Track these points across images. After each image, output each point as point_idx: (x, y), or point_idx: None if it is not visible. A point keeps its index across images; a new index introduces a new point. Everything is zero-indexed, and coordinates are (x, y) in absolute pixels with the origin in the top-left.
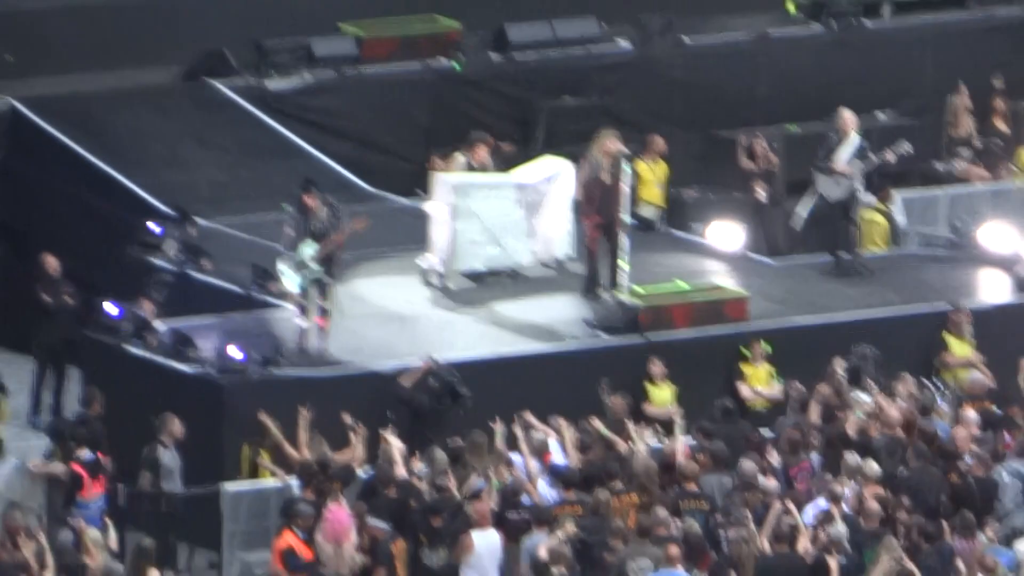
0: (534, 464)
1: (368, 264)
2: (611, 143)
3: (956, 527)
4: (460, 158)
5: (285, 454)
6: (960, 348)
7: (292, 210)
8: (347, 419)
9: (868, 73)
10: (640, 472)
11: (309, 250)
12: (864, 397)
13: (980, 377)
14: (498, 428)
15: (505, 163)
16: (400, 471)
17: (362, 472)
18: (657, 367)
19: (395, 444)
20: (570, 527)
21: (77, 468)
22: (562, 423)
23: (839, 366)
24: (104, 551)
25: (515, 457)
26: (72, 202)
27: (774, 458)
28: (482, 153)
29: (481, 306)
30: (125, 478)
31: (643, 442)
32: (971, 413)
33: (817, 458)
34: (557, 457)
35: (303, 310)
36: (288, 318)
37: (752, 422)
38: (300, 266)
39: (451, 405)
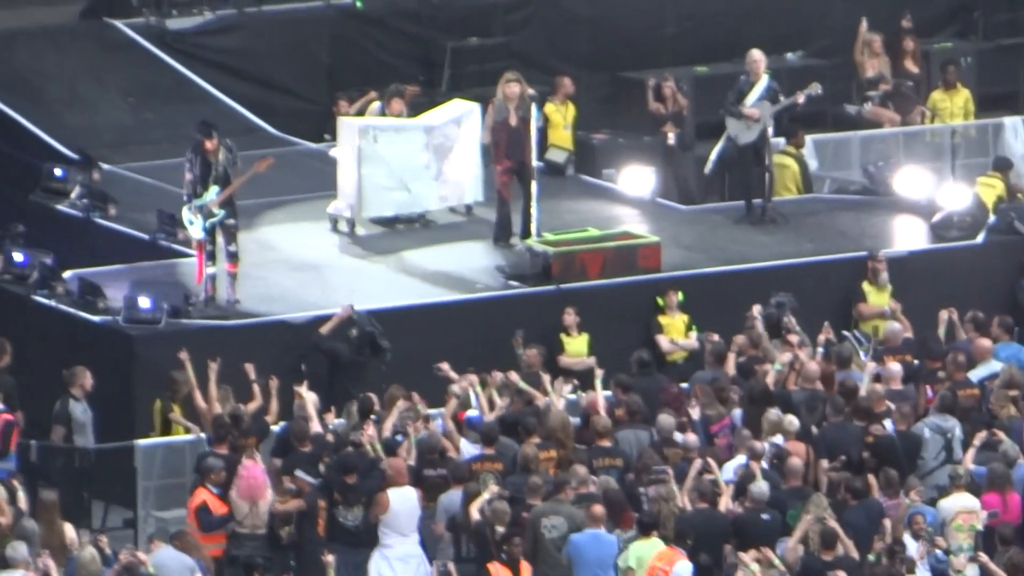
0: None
1: (276, 211)
2: (512, 86)
3: (880, 485)
4: (375, 105)
5: (197, 408)
6: (877, 297)
7: (190, 154)
8: (250, 372)
9: (776, 12)
10: (555, 426)
11: (211, 194)
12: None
13: (897, 327)
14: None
15: (411, 106)
16: (315, 426)
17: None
18: (571, 317)
19: (309, 398)
20: (494, 486)
21: (9, 417)
22: (474, 379)
23: (757, 315)
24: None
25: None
26: None
27: (695, 412)
28: (398, 106)
29: (392, 254)
30: (37, 433)
31: (559, 396)
32: (894, 366)
33: (738, 413)
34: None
35: (211, 256)
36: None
37: (670, 374)
38: (203, 211)
39: (371, 357)
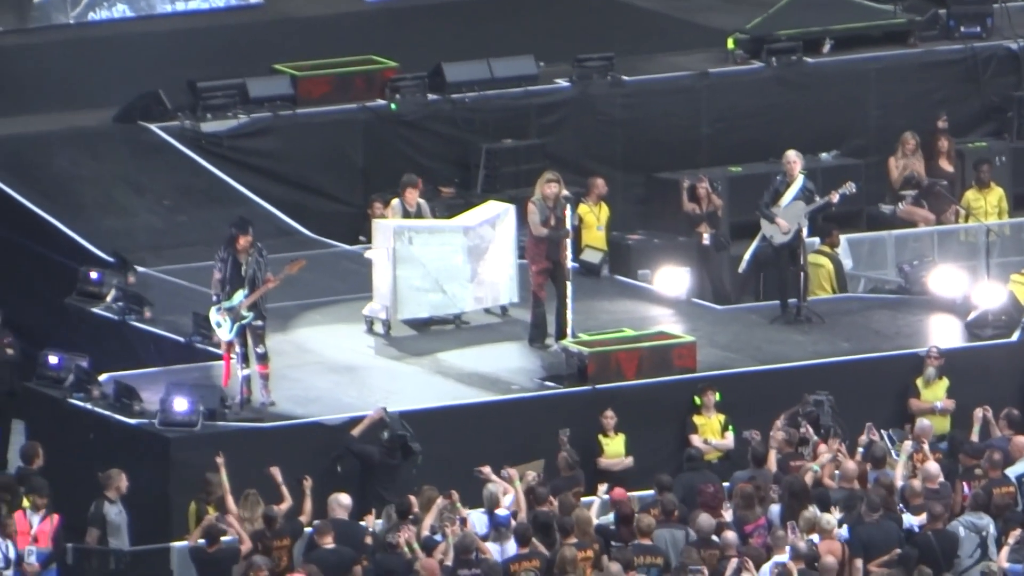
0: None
1: (312, 313)
2: (553, 185)
3: None
4: (396, 203)
5: (228, 511)
6: (928, 393)
7: (222, 252)
8: (277, 476)
9: (811, 112)
10: (575, 522)
11: (239, 296)
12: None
13: (927, 424)
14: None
15: (446, 208)
16: None
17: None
18: (609, 420)
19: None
20: None
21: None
22: (513, 472)
23: (784, 418)
24: None
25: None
26: (8, 249)
27: (727, 514)
28: (412, 195)
29: (427, 355)
30: (72, 535)
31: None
32: (932, 466)
33: (777, 510)
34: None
35: (243, 358)
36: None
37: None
38: (232, 313)
39: (402, 460)
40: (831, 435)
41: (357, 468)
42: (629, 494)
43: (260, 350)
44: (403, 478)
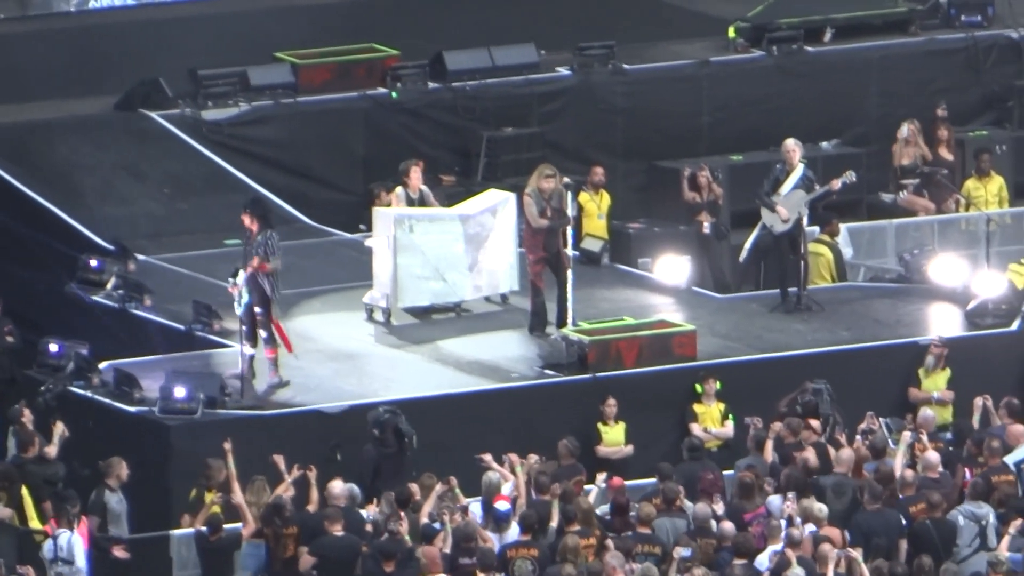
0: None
1: (312, 301)
2: (551, 181)
3: (913, 572)
4: (400, 191)
5: (233, 499)
6: (928, 382)
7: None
8: (280, 463)
9: (812, 101)
10: (578, 511)
11: (242, 274)
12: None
13: (930, 414)
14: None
15: (447, 196)
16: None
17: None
18: (610, 408)
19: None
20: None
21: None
22: (514, 458)
23: (785, 405)
24: None
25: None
26: (9, 236)
27: (719, 507)
28: (415, 177)
29: (427, 343)
30: None
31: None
32: (932, 455)
33: (777, 500)
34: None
35: (248, 337)
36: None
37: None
38: (236, 289)
39: (397, 446)
40: (830, 423)
41: (358, 459)
42: (626, 483)
43: (264, 335)
44: (405, 465)
